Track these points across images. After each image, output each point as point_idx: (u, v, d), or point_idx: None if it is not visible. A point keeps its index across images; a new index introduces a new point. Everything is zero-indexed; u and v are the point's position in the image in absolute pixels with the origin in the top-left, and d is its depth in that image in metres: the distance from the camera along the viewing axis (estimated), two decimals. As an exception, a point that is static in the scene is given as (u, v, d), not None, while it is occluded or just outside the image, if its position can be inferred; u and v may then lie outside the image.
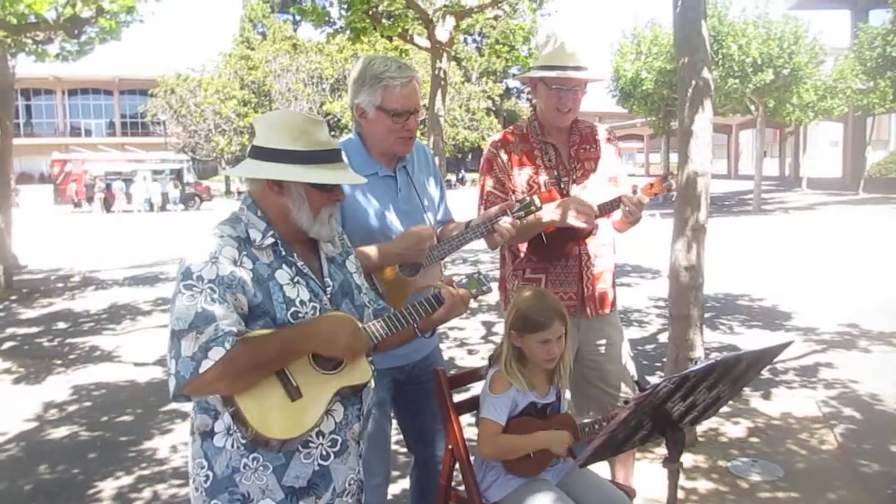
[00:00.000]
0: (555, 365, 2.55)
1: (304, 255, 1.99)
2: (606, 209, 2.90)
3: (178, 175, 36.27)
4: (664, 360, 5.90)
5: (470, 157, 52.11)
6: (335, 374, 1.88)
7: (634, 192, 2.88)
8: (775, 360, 2.25)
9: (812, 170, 32.86)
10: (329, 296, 1.99)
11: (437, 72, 9.10)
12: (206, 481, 1.87)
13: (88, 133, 52.04)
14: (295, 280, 1.91)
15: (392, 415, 2.80)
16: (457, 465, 2.61)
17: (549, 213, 2.82)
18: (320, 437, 1.90)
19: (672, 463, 2.14)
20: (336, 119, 43.53)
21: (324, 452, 1.92)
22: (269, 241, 1.91)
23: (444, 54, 9.00)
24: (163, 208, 34.57)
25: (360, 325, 1.95)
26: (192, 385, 1.71)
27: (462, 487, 2.62)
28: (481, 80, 46.61)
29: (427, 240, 2.56)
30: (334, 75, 44.23)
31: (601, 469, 2.75)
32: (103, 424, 5.11)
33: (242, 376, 1.74)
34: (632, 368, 3.23)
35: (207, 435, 1.87)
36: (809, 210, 22.66)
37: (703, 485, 3.86)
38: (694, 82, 4.24)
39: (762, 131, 24.51)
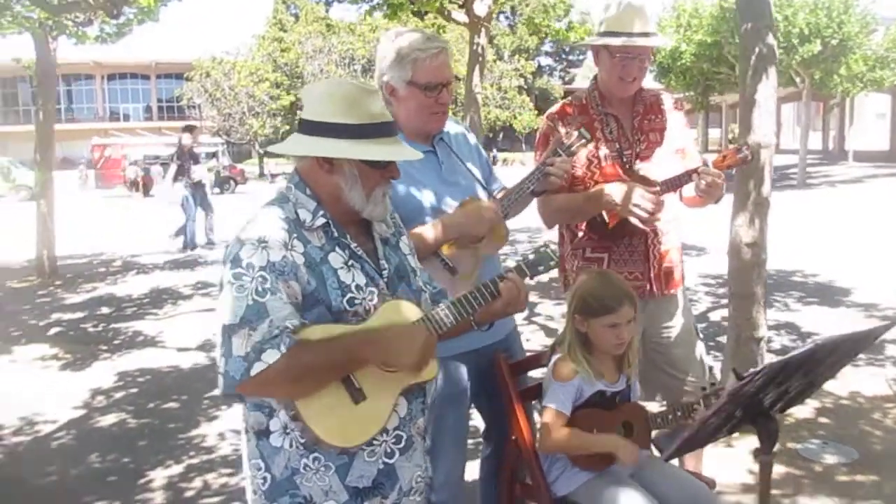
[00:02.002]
0: (623, 350, 2.38)
1: (357, 237, 1.83)
2: (674, 185, 2.70)
3: (214, 157, 36.43)
4: (717, 339, 5.71)
5: (501, 136, 51.67)
6: (399, 371, 1.73)
7: (705, 165, 2.67)
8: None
9: (858, 142, 31.88)
10: (385, 280, 1.83)
11: (475, 47, 8.88)
12: (263, 483, 1.75)
13: (127, 118, 52.53)
14: (349, 263, 1.76)
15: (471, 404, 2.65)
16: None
17: (612, 193, 2.64)
18: (384, 434, 1.76)
19: (766, 455, 1.97)
20: (369, 100, 43.39)
21: (388, 450, 1.78)
22: (321, 221, 1.76)
23: (483, 29, 8.78)
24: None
25: (427, 313, 1.80)
26: (244, 387, 1.59)
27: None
28: (513, 59, 46.06)
29: (487, 209, 2.40)
30: (366, 56, 44.09)
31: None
32: (150, 411, 5.07)
33: (300, 382, 1.61)
34: (701, 351, 3.05)
35: (263, 434, 1.74)
36: (857, 183, 21.97)
37: (776, 469, 3.66)
38: (758, 49, 4.02)
39: (808, 104, 23.80)
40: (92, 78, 52.08)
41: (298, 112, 1.76)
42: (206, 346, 6.61)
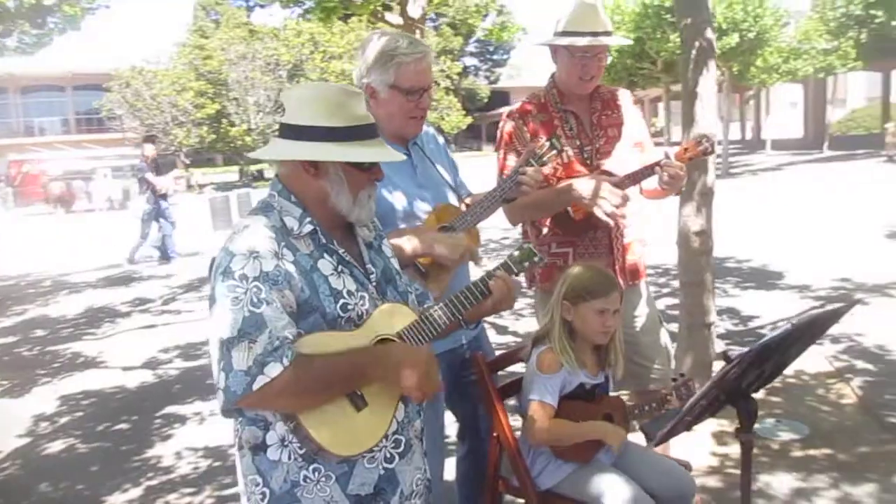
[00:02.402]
0: (608, 340, 2.42)
1: (343, 242, 1.82)
2: (637, 178, 2.76)
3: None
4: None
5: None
6: None
7: (667, 157, 2.74)
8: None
9: (774, 131, 33.14)
10: (374, 284, 1.82)
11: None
12: (262, 499, 1.71)
13: (43, 132, 50.52)
14: (339, 269, 1.75)
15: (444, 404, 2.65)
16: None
17: (580, 188, 2.68)
18: (384, 440, 1.75)
19: (746, 434, 2.03)
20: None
21: (388, 455, 1.77)
22: (308, 228, 1.73)
23: (418, 31, 8.79)
24: (123, 206, 33.78)
25: (422, 314, 1.79)
26: (245, 402, 1.56)
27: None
28: (439, 60, 46.24)
29: (464, 246, 2.38)
30: (291, 61, 43.57)
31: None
32: (100, 435, 4.89)
33: (302, 397, 1.59)
34: (666, 339, 3.13)
35: (259, 448, 1.71)
36: (777, 171, 22.84)
37: (735, 449, 3.77)
38: (698, 43, 4.15)
39: (729, 95, 24.62)
40: (5, 91, 49.95)
41: (279, 117, 1.71)
42: (151, 364, 6.44)
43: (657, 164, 2.66)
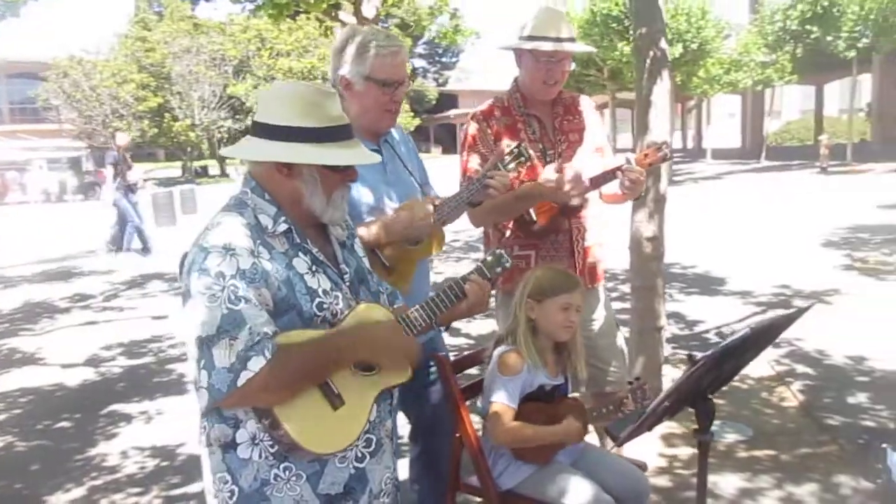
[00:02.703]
0: (570, 337, 2.46)
1: (317, 241, 1.81)
2: (598, 182, 2.81)
3: (73, 163, 34.38)
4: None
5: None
6: (374, 375, 1.73)
7: (628, 162, 2.80)
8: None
9: (714, 141, 34.06)
10: (348, 283, 1.82)
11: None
12: (231, 497, 1.69)
13: (-27, 121, 48.68)
14: (313, 269, 1.74)
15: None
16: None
17: (547, 176, 2.73)
18: (354, 442, 1.74)
19: (703, 434, 2.09)
20: (241, 103, 42.30)
21: (359, 454, 1.77)
22: (283, 227, 1.72)
23: (371, 30, 8.75)
24: (60, 199, 32.79)
25: (400, 315, 1.80)
26: (231, 399, 1.54)
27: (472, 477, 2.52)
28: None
29: (422, 215, 2.42)
30: (238, 56, 42.91)
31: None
32: (39, 433, 4.74)
33: (287, 387, 1.58)
34: (622, 342, 3.19)
35: (229, 446, 1.68)
36: (718, 179, 23.48)
37: (684, 451, 3.88)
38: (652, 53, 4.21)
39: (672, 105, 25.14)
40: (-64, 78, 47.97)
41: (252, 115, 1.69)
42: (93, 361, 6.26)
43: (619, 168, 2.71)
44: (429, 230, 2.44)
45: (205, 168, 48.80)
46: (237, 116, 43.63)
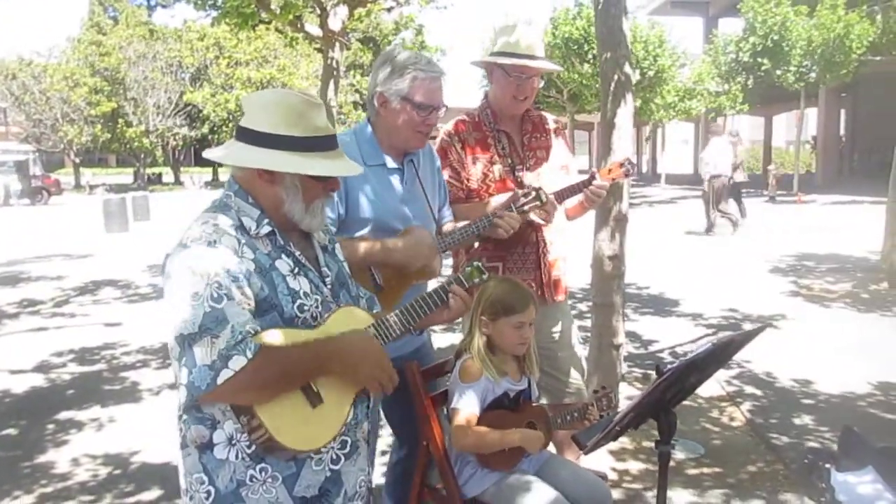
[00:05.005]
0: (525, 350, 2.52)
1: (299, 244, 1.84)
2: (564, 196, 2.90)
3: (19, 167, 33.44)
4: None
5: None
6: None
7: (594, 177, 2.89)
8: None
9: (668, 166, 34.80)
10: (329, 287, 1.86)
11: (329, 62, 8.87)
12: (207, 498, 1.70)
13: (-85, 121, 47.05)
14: (295, 271, 1.77)
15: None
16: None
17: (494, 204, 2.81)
18: (332, 440, 1.77)
19: (665, 445, 2.15)
20: (198, 110, 41.85)
21: (334, 456, 1.79)
22: (266, 229, 1.75)
23: (337, 44, 8.79)
24: (5, 203, 31.86)
25: (378, 319, 1.84)
26: (210, 396, 1.56)
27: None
28: (348, 74, 46.17)
29: (426, 252, 2.50)
30: (195, 64, 42.50)
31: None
32: (-15, 439, 4.62)
33: (267, 388, 1.60)
34: (582, 355, 3.26)
35: (206, 447, 1.70)
36: (671, 203, 23.94)
37: (634, 465, 3.97)
38: (616, 76, 4.33)
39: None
40: None
41: (228, 125, 1.71)
42: (43, 368, 6.12)
43: (583, 183, 2.82)
44: (425, 262, 2.49)
45: (158, 175, 48.04)
46: (193, 124, 43.14)
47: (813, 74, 22.11)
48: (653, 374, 1.91)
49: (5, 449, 4.46)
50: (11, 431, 4.77)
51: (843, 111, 28.97)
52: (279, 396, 1.62)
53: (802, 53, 21.51)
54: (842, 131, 29.37)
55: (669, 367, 1.85)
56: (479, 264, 2.11)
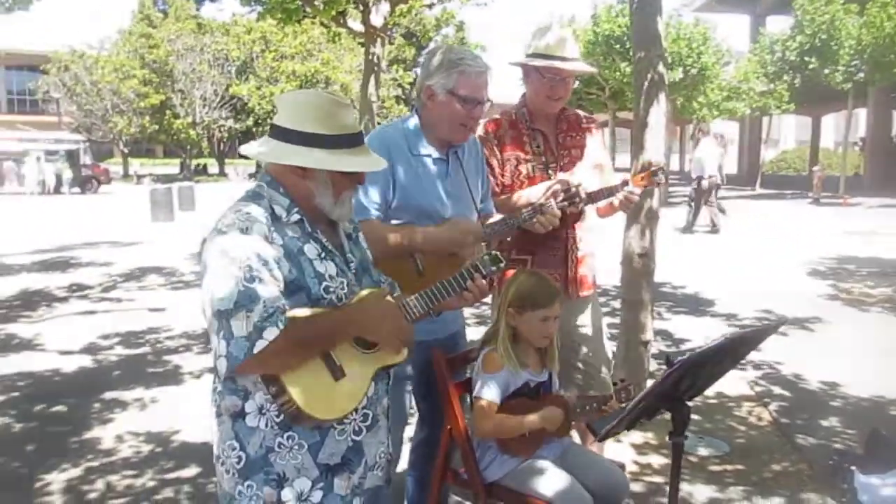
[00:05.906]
0: (548, 344, 2.62)
1: (326, 232, 1.98)
2: (596, 198, 2.97)
3: (70, 156, 34.37)
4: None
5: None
6: (373, 353, 1.90)
7: (626, 184, 2.97)
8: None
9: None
10: (353, 272, 1.99)
11: (370, 57, 9.02)
12: (238, 462, 1.84)
13: (-30, 110, 48.57)
14: (322, 256, 1.91)
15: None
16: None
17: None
18: (354, 413, 1.91)
19: (678, 437, 2.23)
20: (243, 103, 42.48)
21: (356, 428, 1.93)
22: (295, 217, 1.89)
23: (378, 39, 8.94)
24: (57, 191, 32.80)
25: (399, 301, 1.97)
26: (246, 365, 1.70)
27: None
28: (391, 69, 46.44)
29: (471, 233, 2.63)
30: (241, 57, 43.13)
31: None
32: (37, 415, 4.85)
33: (295, 355, 1.74)
34: (609, 349, 3.34)
35: (238, 416, 1.85)
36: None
37: (657, 459, 4.02)
38: (650, 76, 4.40)
39: (671, 128, 25.51)
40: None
41: (272, 117, 1.86)
42: (91, 349, 6.38)
43: (620, 185, 2.91)
44: (469, 249, 2.62)
45: (204, 166, 48.88)
46: (238, 116, 43.81)
47: (862, 74, 21.65)
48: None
49: (54, 425, 4.69)
50: (61, 409, 4.99)
51: (894, 112, 28.31)
52: (305, 369, 1.77)
53: (851, 53, 21.08)
54: (893, 132, 28.70)
55: (679, 359, 1.93)
56: (497, 253, 2.20)
